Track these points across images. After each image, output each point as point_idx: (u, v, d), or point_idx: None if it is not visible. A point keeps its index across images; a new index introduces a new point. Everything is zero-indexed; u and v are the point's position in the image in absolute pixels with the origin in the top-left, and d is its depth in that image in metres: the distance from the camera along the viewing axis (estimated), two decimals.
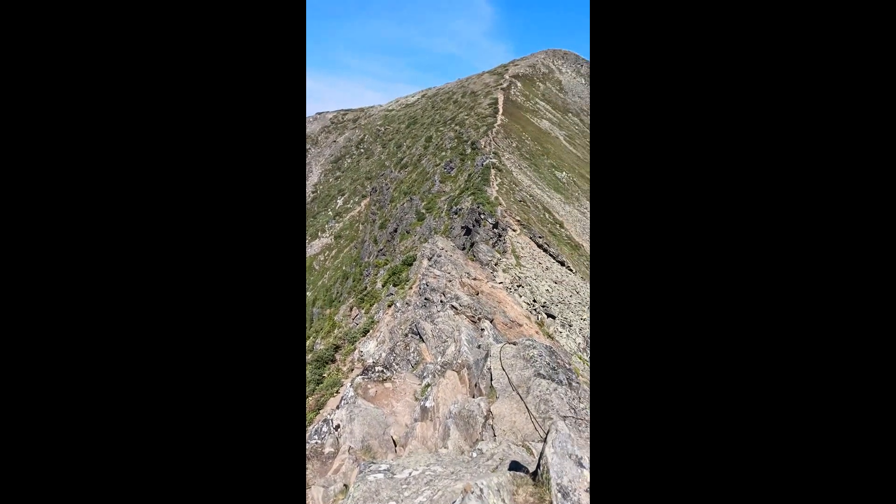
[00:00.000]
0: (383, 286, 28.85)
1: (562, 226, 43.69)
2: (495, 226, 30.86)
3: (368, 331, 21.84)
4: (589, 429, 4.34)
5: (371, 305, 26.91)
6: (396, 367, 15.26)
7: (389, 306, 22.43)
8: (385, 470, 4.48)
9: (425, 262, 22.97)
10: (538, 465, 3.24)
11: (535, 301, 25.01)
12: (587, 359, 21.79)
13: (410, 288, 23.23)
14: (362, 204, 64.32)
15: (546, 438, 3.31)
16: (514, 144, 55.06)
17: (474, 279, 21.85)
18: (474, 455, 5.28)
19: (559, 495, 2.82)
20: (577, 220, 47.11)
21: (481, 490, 2.73)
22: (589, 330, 25.09)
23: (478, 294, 21.08)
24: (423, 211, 47.57)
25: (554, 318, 23.91)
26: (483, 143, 52.62)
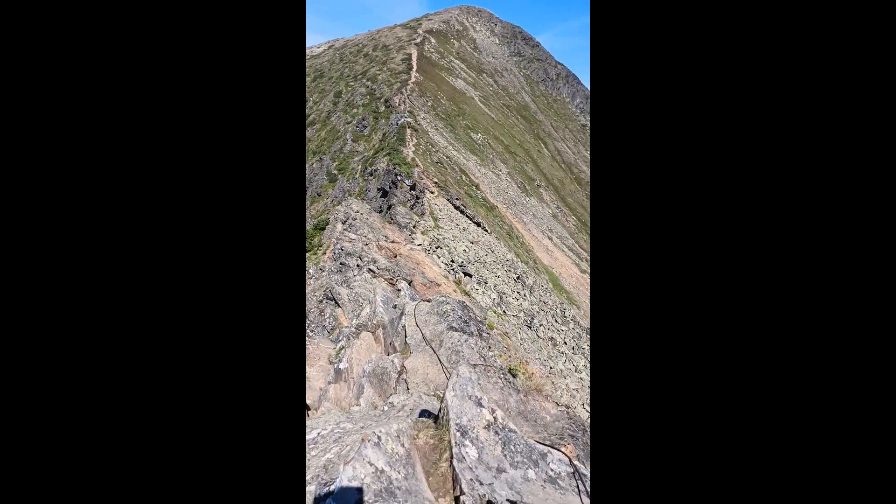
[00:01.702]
0: None
1: (478, 187, 44.44)
2: (413, 188, 30.54)
3: None
4: (497, 375, 4.53)
5: None
6: (311, 333, 14.78)
7: None
8: None
9: (339, 226, 22.18)
10: (439, 410, 3.30)
11: (452, 261, 25.54)
12: (502, 312, 22.87)
13: (324, 253, 22.43)
14: None
15: (448, 384, 3.37)
16: (429, 104, 54.11)
17: (392, 242, 21.59)
18: (386, 408, 5.32)
19: (458, 434, 2.90)
20: (492, 182, 48.10)
21: (378, 437, 2.72)
22: (510, 289, 26.28)
23: (396, 257, 20.91)
24: (336, 172, 45.63)
25: (471, 276, 24.67)
26: (397, 101, 51.03)
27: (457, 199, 36.87)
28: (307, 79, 70.17)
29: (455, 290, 19.42)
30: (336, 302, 16.11)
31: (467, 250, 29.67)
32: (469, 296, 20.30)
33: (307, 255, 24.85)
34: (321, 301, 16.78)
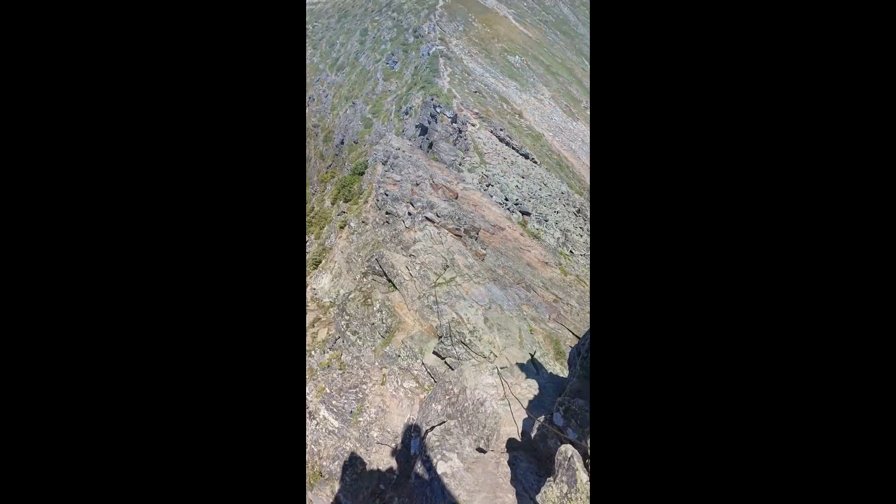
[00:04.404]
0: (333, 204, 25.68)
1: (521, 115, 40.85)
2: (454, 120, 27.58)
3: (320, 261, 18.38)
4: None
5: (321, 228, 23.65)
6: (352, 337, 10.21)
7: (342, 228, 19.13)
8: None
9: (380, 168, 19.59)
10: None
11: (506, 199, 23.05)
12: (568, 252, 20.54)
13: (365, 202, 20.21)
14: None
15: None
16: (460, 28, 49.44)
17: (446, 181, 18.86)
18: None
19: None
20: (535, 109, 44.26)
21: None
22: (591, 228, 23.69)
23: (457, 197, 18.21)
24: (370, 116, 43.02)
25: (529, 214, 22.21)
26: (426, 29, 46.78)
27: (501, 130, 33.79)
28: (332, 20, 65.83)
29: (522, 234, 17.08)
30: (387, 276, 11.69)
31: (519, 186, 27.10)
32: (538, 238, 17.92)
33: (347, 205, 22.95)
34: (364, 276, 12.17)
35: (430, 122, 28.42)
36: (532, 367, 9.10)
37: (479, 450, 6.81)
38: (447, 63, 39.59)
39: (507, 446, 6.64)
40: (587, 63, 64.63)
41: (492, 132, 32.61)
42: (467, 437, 6.79)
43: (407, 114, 36.48)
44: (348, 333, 10.90)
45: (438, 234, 14.26)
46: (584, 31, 72.15)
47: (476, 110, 34.30)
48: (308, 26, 69.15)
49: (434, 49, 41.32)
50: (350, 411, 9.82)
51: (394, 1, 57.96)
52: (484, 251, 14.63)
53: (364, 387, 9.89)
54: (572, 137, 46.02)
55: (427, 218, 15.01)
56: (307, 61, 62.37)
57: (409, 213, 15.77)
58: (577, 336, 12.47)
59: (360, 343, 10.59)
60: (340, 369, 10.32)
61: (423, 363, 9.86)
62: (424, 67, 40.03)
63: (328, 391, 10.12)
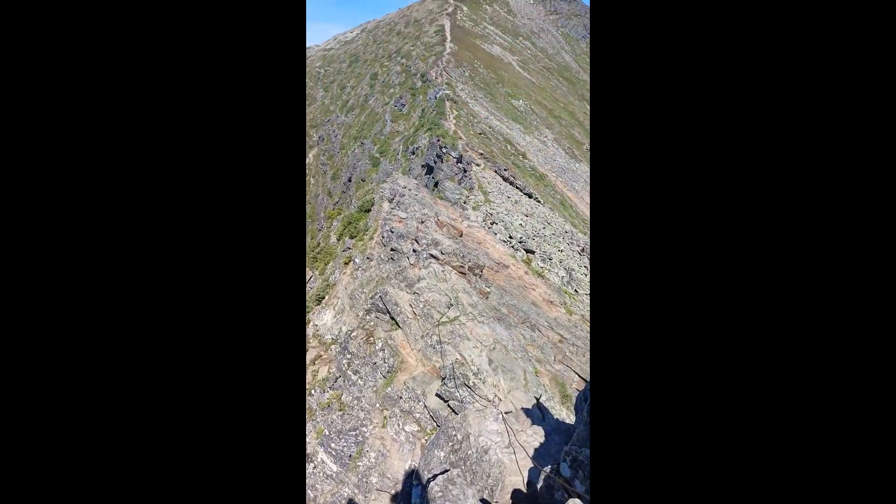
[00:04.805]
0: (338, 240, 25.80)
1: (525, 156, 41.63)
2: (459, 160, 28.14)
3: (324, 297, 18.20)
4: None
5: (326, 264, 23.61)
6: (353, 377, 9.98)
7: (347, 264, 19.08)
8: None
9: (386, 205, 19.81)
10: None
11: (510, 237, 23.08)
12: (573, 291, 20.29)
13: (371, 238, 20.24)
14: (310, 155, 59.25)
15: None
16: (466, 73, 51.28)
17: (451, 218, 19.03)
18: None
19: None
20: (538, 150, 45.14)
21: None
22: (589, 263, 23.63)
23: (461, 235, 18.23)
24: (377, 155, 44.02)
25: (533, 252, 22.17)
26: (434, 75, 48.57)
27: (505, 170, 34.35)
28: (343, 65, 68.60)
29: (526, 272, 16.98)
30: (391, 314, 11.46)
31: (523, 224, 27.22)
32: (542, 276, 17.77)
33: (353, 241, 23.04)
34: (367, 313, 12.05)
35: (436, 162, 28.99)
36: (538, 412, 8.80)
37: (484, 501, 6.47)
38: (453, 106, 40.81)
39: (511, 498, 6.31)
40: (589, 107, 66.56)
41: (496, 172, 33.14)
42: (471, 487, 6.47)
43: (414, 154, 37.31)
44: (349, 373, 10.62)
45: (443, 271, 14.16)
46: (586, 77, 74.62)
47: (481, 151, 35.01)
48: (321, 70, 71.83)
49: (441, 93, 42.72)
50: (349, 455, 9.46)
51: (403, 48, 60.53)
52: (488, 289, 14.50)
53: (364, 429, 9.56)
54: (575, 178, 46.62)
55: (431, 255, 14.99)
56: (319, 103, 64.48)
57: (414, 250, 15.72)
58: (583, 378, 12.13)
59: (362, 383, 10.30)
60: (340, 410, 10.02)
61: (425, 405, 9.57)
62: (431, 110, 41.25)
63: (327, 433, 9.78)
